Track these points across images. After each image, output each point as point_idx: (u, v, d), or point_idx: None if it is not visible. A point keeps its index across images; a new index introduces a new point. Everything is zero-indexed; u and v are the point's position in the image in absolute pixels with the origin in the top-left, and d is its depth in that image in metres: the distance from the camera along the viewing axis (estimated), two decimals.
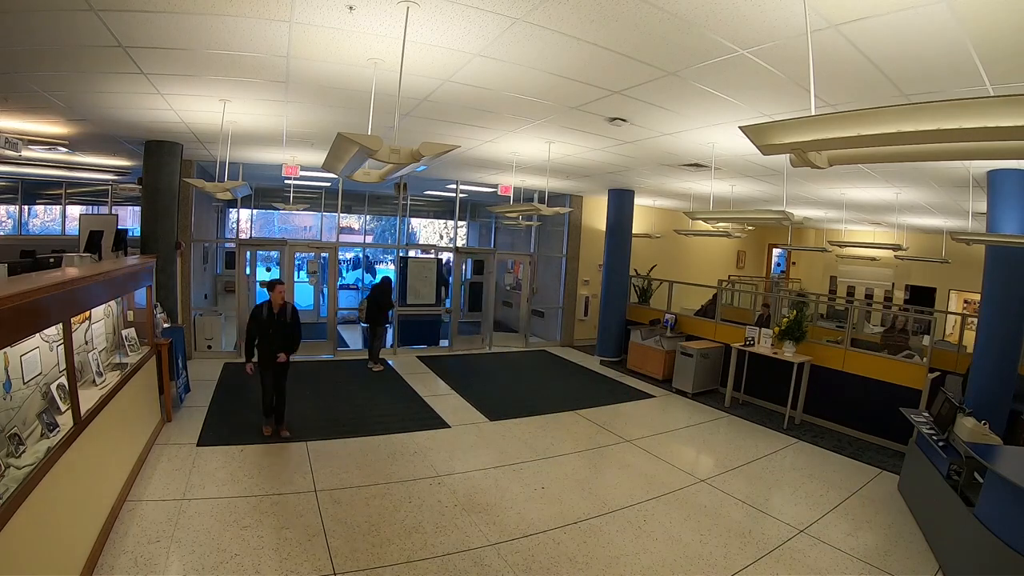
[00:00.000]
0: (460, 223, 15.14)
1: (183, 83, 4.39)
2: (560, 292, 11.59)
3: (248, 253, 9.13)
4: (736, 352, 7.54)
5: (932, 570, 3.73)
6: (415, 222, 16.72)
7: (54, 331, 3.25)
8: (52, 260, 5.09)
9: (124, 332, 4.84)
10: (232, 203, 11.98)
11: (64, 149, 7.49)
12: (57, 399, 3.15)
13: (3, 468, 2.44)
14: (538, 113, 4.89)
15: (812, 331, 7.64)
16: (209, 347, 8.58)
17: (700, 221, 8.36)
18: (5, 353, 2.72)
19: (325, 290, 10.63)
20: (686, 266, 13.37)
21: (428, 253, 11.46)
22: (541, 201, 7.35)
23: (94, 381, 3.94)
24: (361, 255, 16.22)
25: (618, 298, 10.30)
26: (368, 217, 15.14)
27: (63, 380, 3.18)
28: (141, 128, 6.26)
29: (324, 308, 11.20)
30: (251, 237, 11.49)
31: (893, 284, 12.90)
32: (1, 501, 2.26)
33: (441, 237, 17.57)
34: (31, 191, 11.79)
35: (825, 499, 4.74)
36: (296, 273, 10.70)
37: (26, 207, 11.97)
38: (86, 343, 4.02)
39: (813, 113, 2.00)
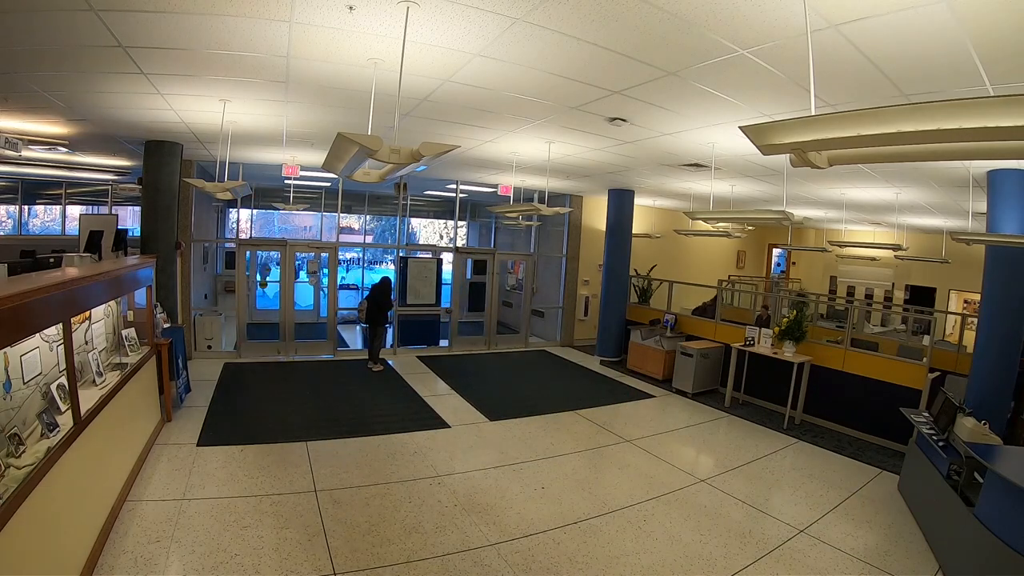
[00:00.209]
0: (460, 223, 15.14)
1: (183, 83, 4.39)
2: (560, 292, 11.59)
3: (248, 253, 9.14)
4: (736, 352, 7.54)
5: (932, 570, 3.73)
6: (415, 222, 16.71)
7: (54, 331, 3.24)
8: (52, 260, 5.09)
9: (124, 332, 4.84)
10: (232, 203, 11.99)
11: (64, 149, 7.49)
12: (57, 399, 3.14)
13: (3, 468, 2.44)
14: (538, 113, 4.89)
15: (812, 331, 7.64)
16: (209, 347, 8.58)
17: (700, 221, 8.36)
18: (5, 353, 2.72)
19: (325, 290, 10.63)
20: (686, 266, 13.37)
21: (428, 253, 11.45)
22: (541, 201, 7.35)
23: (94, 381, 3.94)
24: (361, 255, 16.22)
25: (618, 298, 10.30)
26: (368, 217, 15.14)
27: (63, 380, 3.17)
28: (141, 128, 6.26)
29: (324, 308, 11.20)
30: (251, 237, 11.49)
31: (893, 284, 12.90)
32: (1, 501, 2.26)
33: (441, 237, 17.57)
34: (31, 191, 11.79)
35: (825, 499, 4.74)
36: (296, 273, 10.71)
37: (26, 207, 11.97)
38: (86, 343, 4.01)
39: (813, 113, 2.00)
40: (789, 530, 4.14)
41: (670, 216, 12.86)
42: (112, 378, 4.13)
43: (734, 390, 7.69)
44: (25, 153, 7.31)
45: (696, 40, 2.98)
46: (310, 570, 3.25)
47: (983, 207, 5.61)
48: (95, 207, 12.41)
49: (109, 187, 11.75)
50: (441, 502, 4.23)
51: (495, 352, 10.42)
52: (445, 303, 10.67)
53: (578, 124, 5.17)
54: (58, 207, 12.08)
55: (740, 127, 2.18)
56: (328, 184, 11.61)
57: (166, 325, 6.07)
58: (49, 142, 7.00)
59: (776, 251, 16.45)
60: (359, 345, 10.00)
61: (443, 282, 10.81)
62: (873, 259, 12.44)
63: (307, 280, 12.17)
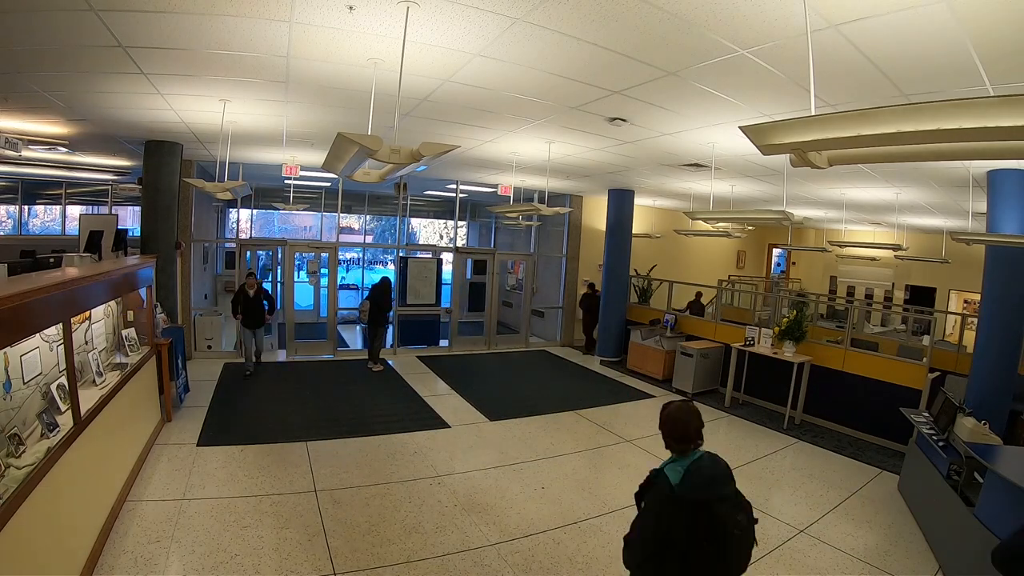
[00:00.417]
0: (460, 223, 15.14)
1: (183, 83, 4.39)
2: (560, 292, 11.59)
3: (248, 253, 9.14)
4: (736, 352, 7.54)
5: (932, 570, 3.73)
6: (415, 222, 16.72)
7: (54, 331, 3.24)
8: (52, 260, 5.09)
9: (124, 332, 4.83)
10: (232, 203, 11.99)
11: (64, 149, 7.49)
12: (57, 399, 3.14)
13: (3, 468, 2.44)
14: (538, 113, 4.89)
15: (812, 331, 7.64)
16: (209, 347, 8.58)
17: (700, 221, 8.36)
18: (5, 353, 2.72)
19: (325, 290, 10.64)
20: (686, 266, 13.37)
21: (428, 253, 11.46)
22: (541, 201, 7.35)
23: (94, 381, 3.94)
24: (361, 255, 16.21)
25: (618, 298, 10.30)
26: (368, 217, 15.14)
27: (63, 380, 3.17)
28: (141, 128, 6.26)
29: (324, 308, 11.20)
30: (251, 237, 11.49)
31: (893, 284, 12.91)
32: (1, 501, 2.26)
33: (441, 237, 17.57)
34: (31, 191, 11.79)
35: (825, 499, 4.74)
36: (296, 273, 10.71)
37: (26, 207, 11.97)
38: (86, 343, 4.01)
39: (813, 113, 2.00)
40: (789, 530, 4.14)
41: (670, 216, 12.86)
42: (112, 378, 4.13)
43: (734, 390, 7.69)
44: (25, 153, 7.31)
45: (696, 40, 2.98)
46: (310, 570, 3.25)
47: (983, 207, 5.61)
48: (95, 207, 12.41)
49: (109, 187, 11.75)
50: (441, 502, 4.23)
51: (495, 352, 10.42)
52: (445, 303, 10.68)
53: (578, 124, 5.17)
54: (58, 207, 12.08)
55: (740, 127, 2.18)
56: (328, 184, 11.61)
57: (166, 325, 6.07)
58: (49, 142, 7.00)
59: (776, 251, 16.45)
60: (359, 345, 10.00)
61: (443, 282, 10.81)
62: (873, 259, 12.44)
63: (307, 280, 12.17)
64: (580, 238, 11.51)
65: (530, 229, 12.12)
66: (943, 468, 4.13)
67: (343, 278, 15.26)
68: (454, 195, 10.91)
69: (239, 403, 6.32)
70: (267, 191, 12.21)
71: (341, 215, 11.41)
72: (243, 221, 13.30)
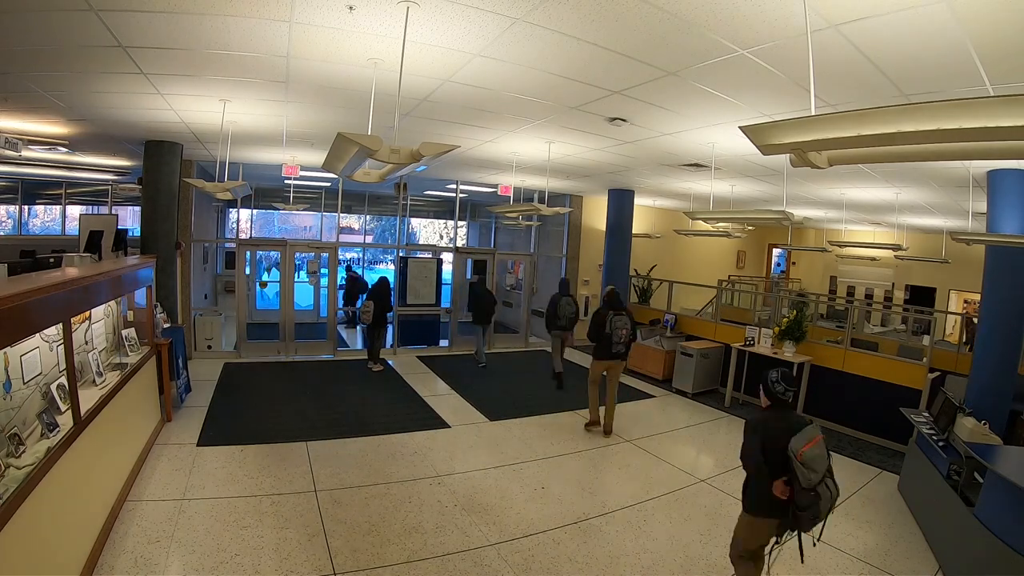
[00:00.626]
0: (460, 223, 15.14)
1: (183, 83, 4.39)
2: None
3: (248, 253, 9.14)
4: (736, 352, 7.55)
5: (932, 570, 3.73)
6: (415, 222, 16.72)
7: (54, 331, 3.24)
8: (52, 260, 5.09)
9: (124, 332, 4.83)
10: (232, 203, 11.99)
11: (64, 149, 7.49)
12: (57, 399, 3.14)
13: (3, 468, 2.44)
14: (538, 113, 4.89)
15: (812, 331, 7.64)
16: (209, 347, 8.58)
17: (700, 221, 8.36)
18: (5, 353, 2.72)
19: (324, 290, 10.65)
20: (686, 266, 13.37)
21: (428, 253, 11.47)
22: (541, 201, 7.35)
23: (94, 381, 3.94)
24: (361, 255, 16.20)
25: None
26: (368, 217, 15.15)
27: (63, 380, 3.17)
28: (141, 128, 6.26)
29: (324, 308, 11.21)
30: (251, 237, 11.49)
31: (893, 284, 12.91)
32: (1, 501, 2.26)
33: (441, 237, 17.57)
34: (31, 191, 11.79)
35: None
36: (296, 273, 10.72)
37: (26, 207, 11.97)
38: (86, 343, 4.01)
39: (813, 113, 2.00)
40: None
41: (670, 216, 12.86)
42: (112, 378, 4.13)
43: (734, 390, 7.69)
44: (25, 153, 7.31)
45: (696, 40, 2.98)
46: (310, 570, 3.25)
47: (983, 207, 5.60)
48: (95, 207, 12.41)
49: (109, 187, 11.75)
50: (441, 502, 4.23)
51: (495, 352, 10.41)
52: (445, 303, 10.67)
53: (578, 124, 5.17)
54: (58, 207, 12.08)
55: (740, 127, 2.18)
56: (328, 184, 11.61)
57: (166, 325, 6.07)
58: (49, 142, 7.00)
59: (776, 251, 16.45)
60: (359, 345, 9.99)
61: (443, 282, 10.81)
62: (873, 259, 12.44)
63: (307, 280, 12.17)
64: (580, 238, 11.51)
65: (530, 229, 12.12)
66: (943, 468, 4.13)
67: (343, 278, 15.24)
68: (454, 195, 10.91)
69: (239, 403, 6.32)
70: (267, 191, 12.21)
71: (341, 215, 11.42)
72: (243, 221, 13.30)
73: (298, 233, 15.50)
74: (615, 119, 4.85)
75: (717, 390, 8.18)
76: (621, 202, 10.17)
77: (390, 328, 9.85)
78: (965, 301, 11.12)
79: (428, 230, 17.69)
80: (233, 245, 10.72)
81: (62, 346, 3.12)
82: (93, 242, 5.81)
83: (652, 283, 11.45)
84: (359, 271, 14.18)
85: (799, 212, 10.26)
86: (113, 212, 11.50)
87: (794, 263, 15.67)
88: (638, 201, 10.49)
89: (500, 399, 7.18)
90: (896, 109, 1.65)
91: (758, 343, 7.54)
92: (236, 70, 4.00)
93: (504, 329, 11.73)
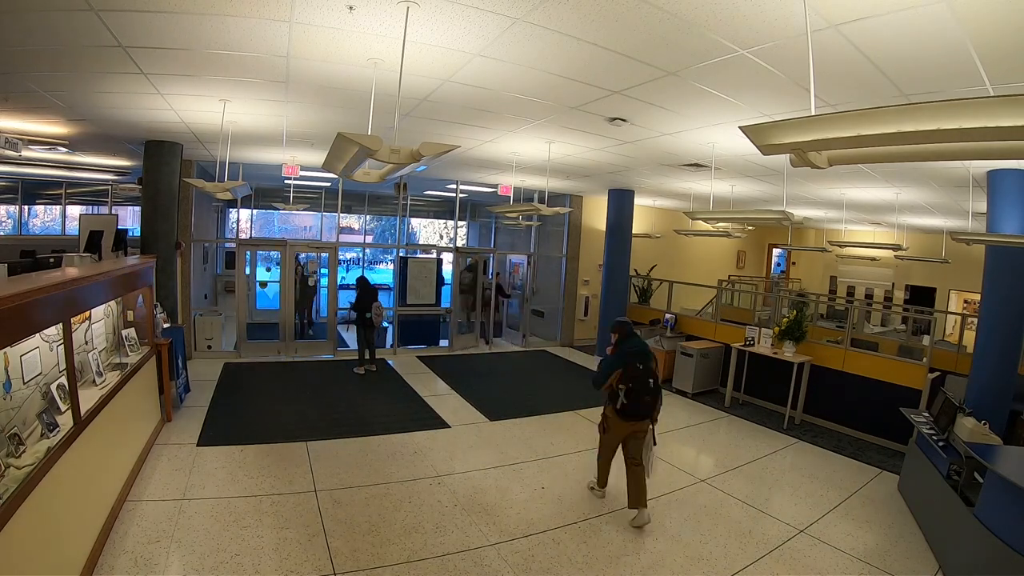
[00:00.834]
0: (460, 223, 15.14)
1: (183, 83, 4.39)
2: (560, 292, 11.59)
3: (248, 253, 9.14)
4: (736, 352, 7.54)
5: (932, 570, 3.73)
6: (415, 222, 16.72)
7: (54, 331, 3.24)
8: (52, 260, 5.09)
9: (124, 332, 4.83)
10: (232, 203, 11.99)
11: (64, 149, 7.49)
12: (57, 399, 3.14)
13: (3, 468, 2.43)
14: (538, 113, 4.89)
15: (812, 331, 7.64)
16: (209, 347, 8.58)
17: (700, 221, 8.36)
18: (5, 353, 2.71)
19: (324, 290, 10.63)
20: (686, 266, 13.37)
21: (431, 253, 11.46)
22: (541, 201, 7.35)
23: (94, 381, 3.94)
24: (361, 255, 16.19)
25: (618, 298, 10.30)
26: (368, 217, 15.15)
27: (63, 380, 3.17)
28: (141, 128, 6.26)
29: (324, 308, 11.20)
30: (251, 237, 11.49)
31: (893, 284, 12.91)
32: (1, 501, 2.26)
33: (441, 237, 17.57)
34: (31, 191, 11.80)
35: (825, 499, 4.74)
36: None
37: (26, 207, 11.97)
38: (86, 343, 4.01)
39: (813, 113, 2.00)
40: (789, 530, 4.14)
41: (670, 216, 12.86)
42: (112, 378, 4.13)
43: (734, 390, 7.69)
44: (25, 153, 7.31)
45: (696, 40, 2.98)
46: (310, 570, 3.25)
47: (983, 207, 5.61)
48: (95, 207, 12.41)
49: (109, 187, 11.75)
50: (441, 502, 4.23)
51: (495, 352, 10.41)
52: (446, 303, 10.67)
53: (578, 124, 5.17)
54: (58, 207, 12.08)
55: (740, 127, 2.18)
56: (328, 184, 11.61)
57: (166, 325, 6.07)
58: (49, 142, 7.00)
59: (776, 251, 16.45)
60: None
61: (444, 282, 10.81)
62: (873, 259, 12.44)
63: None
64: (580, 238, 11.50)
65: (530, 229, 12.12)
66: (943, 468, 4.13)
67: (343, 278, 15.24)
68: (454, 195, 10.91)
69: (239, 403, 6.32)
70: (267, 191, 12.21)
71: (341, 215, 11.41)
72: (243, 221, 13.31)
73: (298, 233, 15.50)
74: (615, 119, 4.85)
75: (717, 390, 8.18)
76: (621, 202, 10.17)
77: (389, 328, 9.85)
78: (965, 301, 11.12)
79: (428, 230, 17.69)
80: (233, 245, 10.72)
81: (62, 346, 3.12)
82: (93, 242, 5.82)
83: (652, 283, 11.45)
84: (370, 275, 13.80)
85: (799, 212, 10.26)
86: (113, 212, 11.50)
87: (794, 263, 15.67)
88: (638, 201, 10.50)
89: (500, 399, 7.18)
90: (896, 109, 1.65)
91: (758, 343, 7.54)
92: (236, 70, 4.00)
93: (504, 329, 11.74)
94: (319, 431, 5.55)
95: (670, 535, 3.96)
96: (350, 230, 15.39)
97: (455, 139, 6.02)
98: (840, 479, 5.21)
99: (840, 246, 9.65)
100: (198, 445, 4.99)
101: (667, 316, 9.28)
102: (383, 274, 16.05)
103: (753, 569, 3.60)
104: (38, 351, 3.12)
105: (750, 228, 12.76)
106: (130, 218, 12.43)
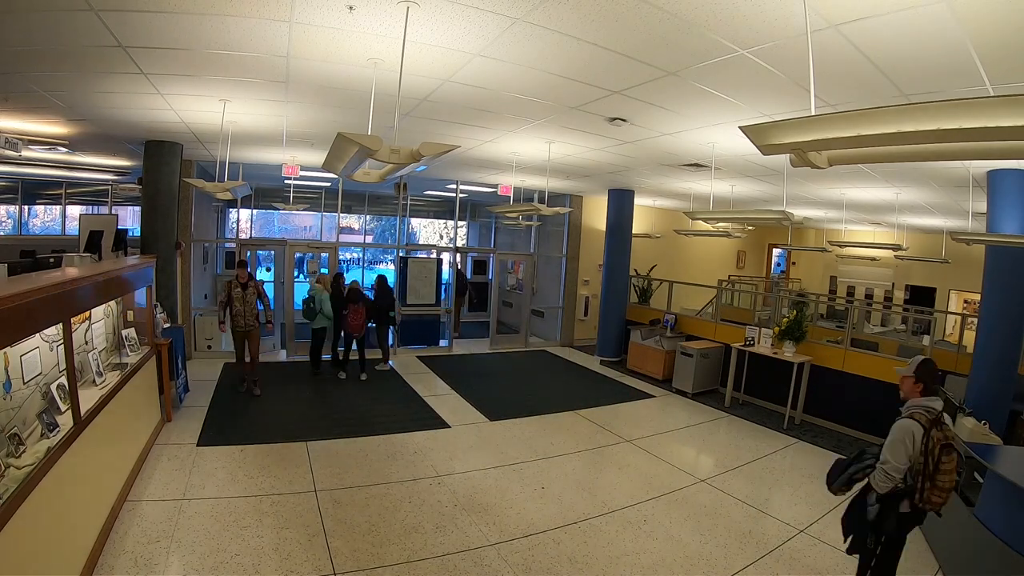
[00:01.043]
0: (460, 223, 15.14)
1: (183, 83, 4.39)
2: (560, 292, 11.59)
3: (248, 253, 9.14)
4: (736, 352, 7.54)
5: (932, 570, 3.73)
6: (415, 222, 16.70)
7: (54, 331, 3.25)
8: (52, 260, 5.09)
9: (124, 332, 4.83)
10: (232, 203, 11.97)
11: (64, 149, 7.49)
12: (57, 399, 3.15)
13: (3, 468, 2.44)
14: (538, 113, 4.89)
15: (812, 331, 7.64)
16: (209, 347, 8.58)
17: (700, 221, 8.36)
18: (5, 353, 2.72)
19: None
20: (686, 266, 13.37)
21: (431, 253, 11.46)
22: (541, 201, 7.35)
23: (94, 381, 3.94)
24: (361, 255, 16.19)
25: (618, 298, 10.30)
26: (368, 217, 15.13)
27: (63, 380, 3.18)
28: (141, 128, 6.26)
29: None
30: (251, 237, 11.49)
31: (893, 284, 12.91)
32: (1, 501, 2.26)
33: (441, 237, 17.56)
34: (31, 191, 11.79)
35: (825, 499, 4.73)
36: (297, 273, 10.71)
37: (26, 207, 11.96)
38: (86, 343, 4.02)
39: (813, 113, 2.00)
40: (789, 530, 4.14)
41: (670, 216, 12.86)
42: (112, 378, 4.13)
43: (734, 390, 7.69)
44: (25, 153, 7.31)
45: (696, 40, 2.98)
46: (310, 570, 3.25)
47: (983, 207, 5.61)
48: (95, 207, 12.40)
49: (109, 187, 11.75)
50: (441, 502, 4.23)
51: (495, 352, 10.41)
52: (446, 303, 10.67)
53: (578, 124, 5.17)
54: (58, 207, 12.07)
55: (740, 127, 2.18)
56: (328, 184, 11.61)
57: (166, 325, 6.07)
58: (49, 142, 7.00)
59: (776, 251, 16.45)
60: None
61: (443, 282, 10.81)
62: (873, 259, 12.44)
63: (307, 280, 12.15)
64: (580, 238, 11.50)
65: (530, 229, 12.12)
66: None
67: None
68: (454, 195, 10.91)
69: (239, 403, 6.32)
70: (267, 191, 12.20)
71: (341, 215, 11.41)
72: (243, 221, 13.29)
73: (298, 233, 15.49)
74: (615, 119, 4.85)
75: (717, 390, 8.18)
76: (621, 202, 10.17)
77: (390, 331, 9.82)
78: (965, 301, 11.12)
79: (428, 230, 17.68)
80: (233, 245, 10.71)
81: (62, 346, 3.12)
82: (93, 242, 5.81)
83: (652, 283, 11.45)
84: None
85: (799, 212, 10.26)
86: (113, 212, 11.49)
87: (794, 263, 15.67)
88: (638, 201, 10.50)
89: (500, 399, 7.18)
90: (896, 109, 1.65)
91: (758, 343, 7.54)
92: (236, 70, 4.00)
93: (504, 329, 11.74)
94: (319, 431, 5.55)
95: (670, 535, 3.96)
96: (350, 230, 15.38)
97: (455, 139, 6.01)
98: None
99: (840, 246, 9.65)
100: (198, 445, 4.99)
101: (667, 316, 9.29)
102: (382, 274, 16.02)
103: (753, 569, 3.60)
104: (38, 351, 3.13)
105: (750, 228, 12.76)
106: (130, 218, 12.43)
